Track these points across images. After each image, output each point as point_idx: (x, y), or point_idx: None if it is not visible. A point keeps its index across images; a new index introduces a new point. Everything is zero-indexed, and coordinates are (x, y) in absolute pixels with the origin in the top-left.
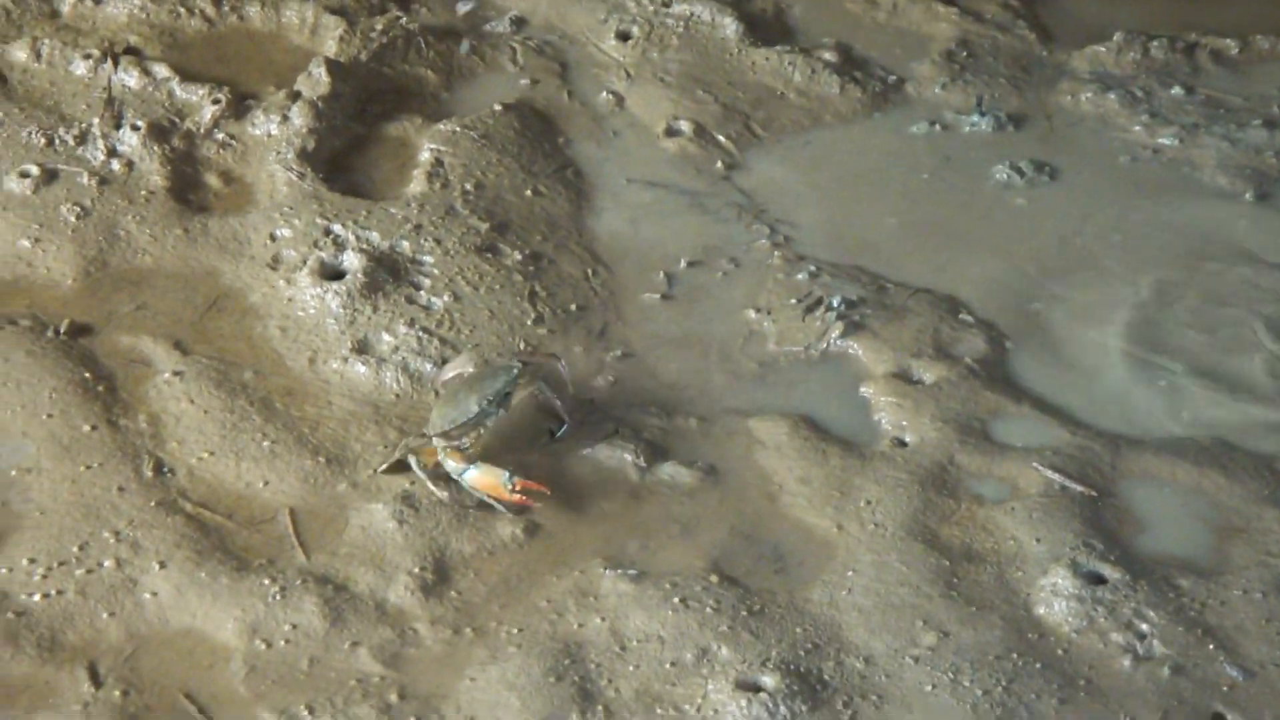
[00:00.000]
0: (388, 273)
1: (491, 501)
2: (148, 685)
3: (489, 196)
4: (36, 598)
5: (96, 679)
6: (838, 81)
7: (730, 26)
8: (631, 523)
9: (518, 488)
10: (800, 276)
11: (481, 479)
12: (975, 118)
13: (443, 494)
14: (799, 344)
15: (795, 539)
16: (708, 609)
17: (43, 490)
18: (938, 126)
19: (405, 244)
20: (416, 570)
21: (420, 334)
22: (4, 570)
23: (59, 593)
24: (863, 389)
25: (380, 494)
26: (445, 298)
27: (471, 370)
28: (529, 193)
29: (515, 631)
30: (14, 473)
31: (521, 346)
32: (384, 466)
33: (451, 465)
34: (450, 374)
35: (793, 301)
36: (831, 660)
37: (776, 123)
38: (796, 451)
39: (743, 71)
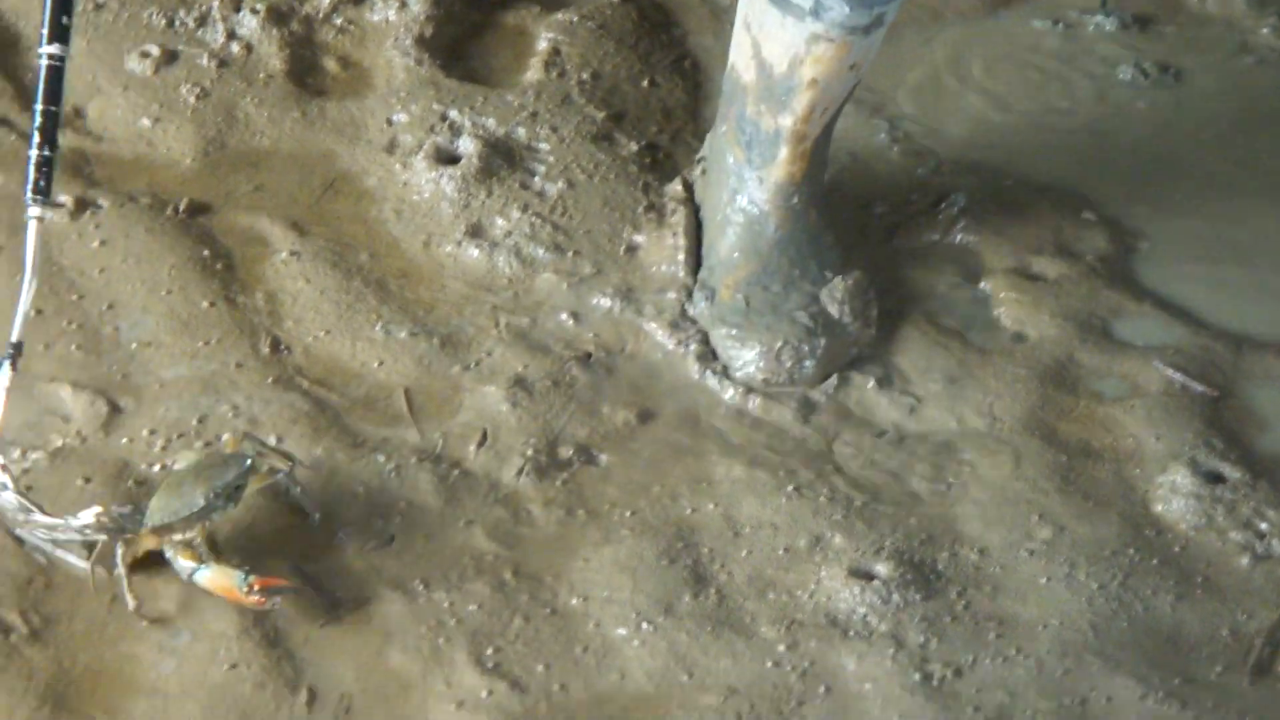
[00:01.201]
0: (503, 159)
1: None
2: (264, 556)
3: (605, 86)
4: (156, 468)
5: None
6: None
7: None
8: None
9: (255, 588)
10: (920, 171)
11: (215, 580)
12: (1100, 17)
13: (131, 601)
14: (921, 239)
15: (914, 431)
16: (821, 498)
17: (162, 364)
18: (1061, 25)
19: (521, 131)
20: (530, 453)
21: (534, 219)
22: (124, 440)
23: (178, 465)
24: (983, 284)
25: (494, 377)
26: (559, 185)
27: (194, 459)
28: (645, 83)
29: (628, 515)
30: (134, 346)
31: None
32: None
33: (181, 564)
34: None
35: (913, 197)
36: (946, 551)
37: (898, 20)
38: (915, 345)
39: None
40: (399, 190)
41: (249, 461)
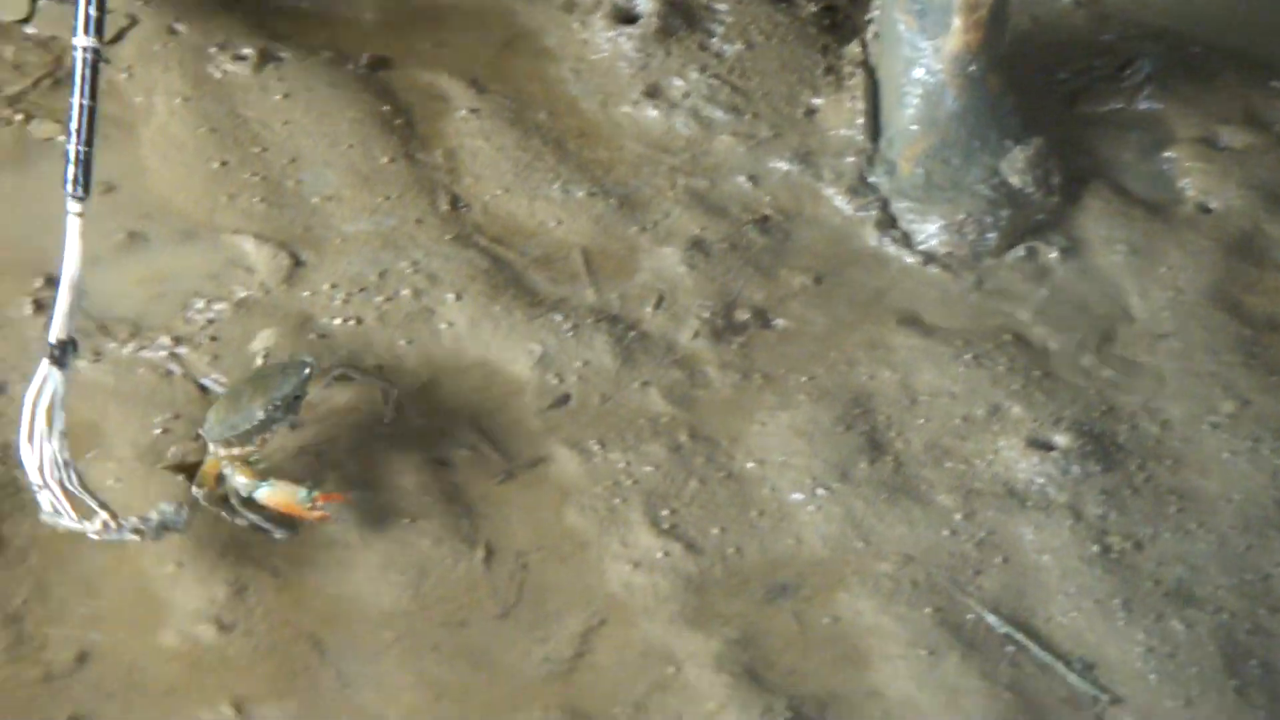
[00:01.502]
0: (681, 18)
1: (267, 526)
2: (442, 412)
3: None
4: (337, 321)
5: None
6: None
7: None
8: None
9: (318, 503)
10: (1105, 36)
11: (276, 496)
12: None
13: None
14: (1104, 106)
15: (1097, 302)
16: (1000, 367)
17: (343, 218)
18: None
19: None
20: (706, 315)
21: (711, 80)
22: (306, 294)
23: (359, 319)
24: (1168, 153)
25: (671, 238)
26: (738, 45)
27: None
28: None
29: (804, 380)
30: (315, 200)
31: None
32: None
33: (241, 481)
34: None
35: (1097, 63)
36: (1126, 424)
37: None
38: (1098, 215)
39: None
40: (577, 49)
41: (307, 371)
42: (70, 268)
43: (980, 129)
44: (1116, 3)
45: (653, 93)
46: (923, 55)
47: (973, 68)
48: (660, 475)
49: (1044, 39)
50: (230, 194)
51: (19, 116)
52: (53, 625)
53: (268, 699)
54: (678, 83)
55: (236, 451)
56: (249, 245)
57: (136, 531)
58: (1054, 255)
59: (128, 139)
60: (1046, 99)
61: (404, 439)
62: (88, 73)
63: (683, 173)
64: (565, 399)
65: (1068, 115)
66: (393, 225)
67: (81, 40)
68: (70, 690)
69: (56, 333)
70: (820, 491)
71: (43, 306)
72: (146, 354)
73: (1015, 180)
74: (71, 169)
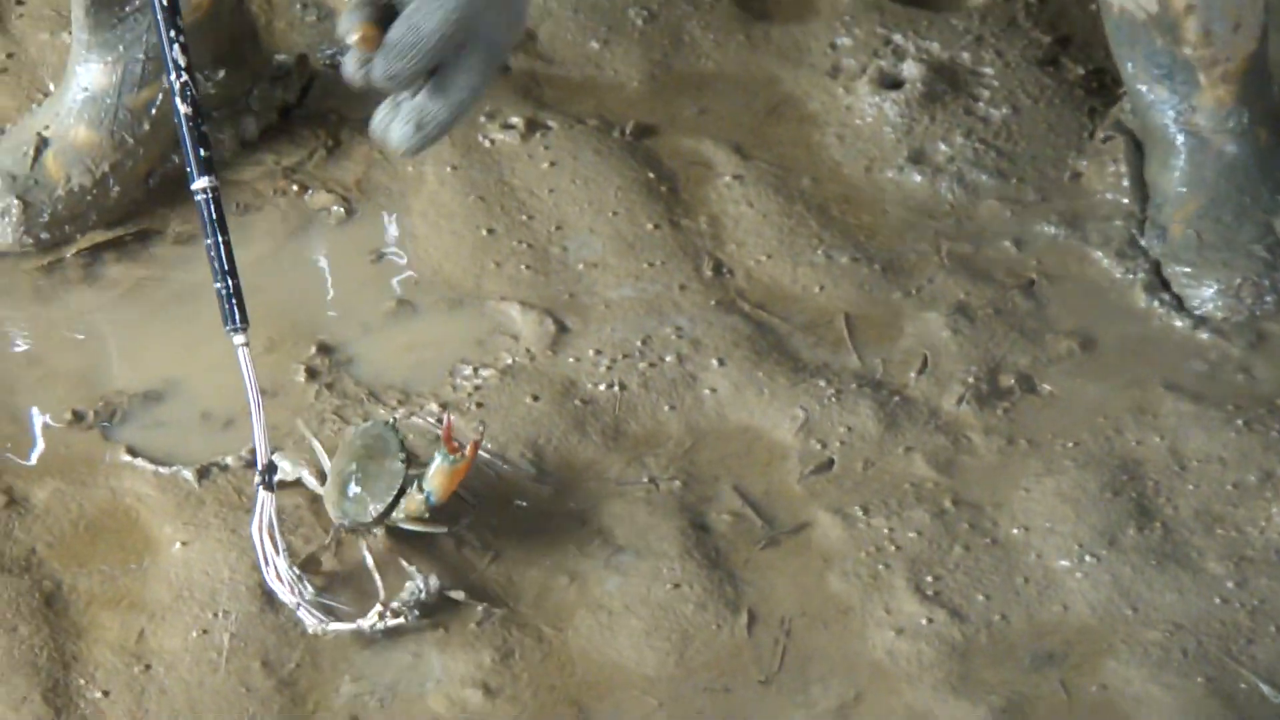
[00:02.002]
0: (946, 83)
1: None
2: (705, 478)
3: (1052, 9)
4: (602, 388)
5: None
6: None
7: None
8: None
9: (457, 455)
10: None
11: (442, 488)
12: None
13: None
14: None
15: None
16: (1273, 433)
17: (607, 284)
18: None
19: (965, 55)
20: (971, 380)
21: (977, 145)
22: (571, 360)
23: (622, 385)
24: None
25: (936, 303)
26: (1004, 110)
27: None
28: (1093, 6)
29: (1070, 446)
30: (580, 267)
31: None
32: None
33: (415, 512)
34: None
35: None
36: None
37: None
38: None
39: None
40: (841, 115)
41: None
42: (253, 396)
43: (1251, 185)
44: None
45: (917, 158)
46: (1180, 116)
47: (1232, 122)
48: (924, 541)
49: None
50: (497, 261)
51: (294, 187)
52: (325, 690)
53: None
54: (943, 147)
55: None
56: (515, 312)
57: (399, 614)
58: None
59: (398, 208)
60: None
61: (666, 504)
62: (214, 211)
63: (947, 237)
64: (829, 464)
65: None
66: (657, 291)
67: (200, 183)
68: None
69: (262, 459)
70: (1087, 558)
71: (315, 373)
72: (416, 420)
73: None
74: (225, 306)
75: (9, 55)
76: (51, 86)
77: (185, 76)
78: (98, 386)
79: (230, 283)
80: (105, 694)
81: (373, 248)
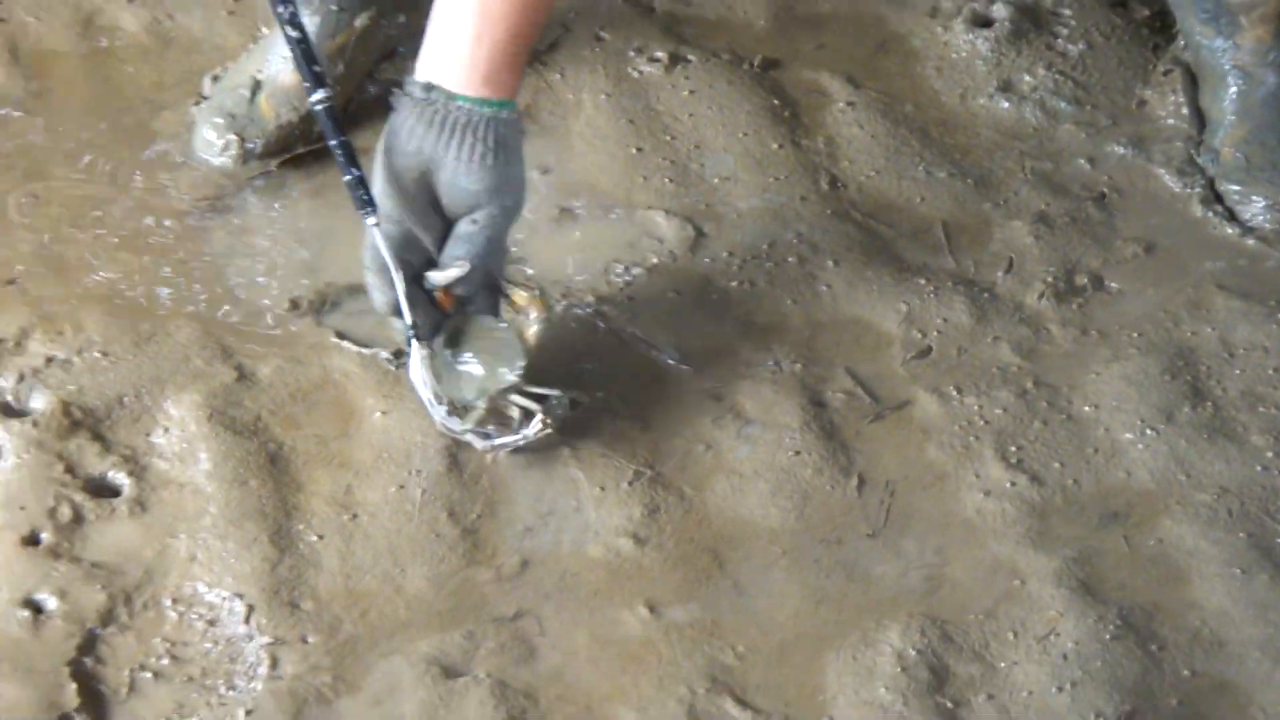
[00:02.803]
0: (1030, 22)
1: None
2: (822, 361)
3: None
4: (734, 284)
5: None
6: None
7: None
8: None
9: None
10: None
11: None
12: None
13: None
14: None
15: None
16: None
17: (738, 196)
18: None
19: None
20: (1050, 279)
21: (1057, 76)
22: (708, 260)
23: (751, 282)
24: None
25: (1020, 213)
26: (1080, 45)
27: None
28: None
29: (1135, 335)
30: (715, 180)
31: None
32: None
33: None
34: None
35: None
36: None
37: None
38: None
39: None
40: (939, 50)
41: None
42: (392, 264)
43: None
44: None
45: (1005, 87)
46: (1225, 53)
47: (1272, 56)
48: (1009, 417)
49: None
50: (644, 175)
51: None
52: (501, 537)
53: (675, 603)
54: (1027, 78)
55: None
56: (660, 219)
57: (551, 423)
58: None
59: (561, 129)
60: None
61: (788, 384)
62: (331, 117)
63: (1030, 156)
64: (928, 351)
65: None
66: (781, 202)
67: (317, 95)
68: (516, 591)
69: (408, 319)
70: (1148, 432)
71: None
72: (577, 311)
73: None
74: (354, 194)
75: (236, 0)
76: (264, 30)
77: (293, 7)
78: (312, 278)
79: (355, 174)
80: (320, 538)
81: (540, 163)
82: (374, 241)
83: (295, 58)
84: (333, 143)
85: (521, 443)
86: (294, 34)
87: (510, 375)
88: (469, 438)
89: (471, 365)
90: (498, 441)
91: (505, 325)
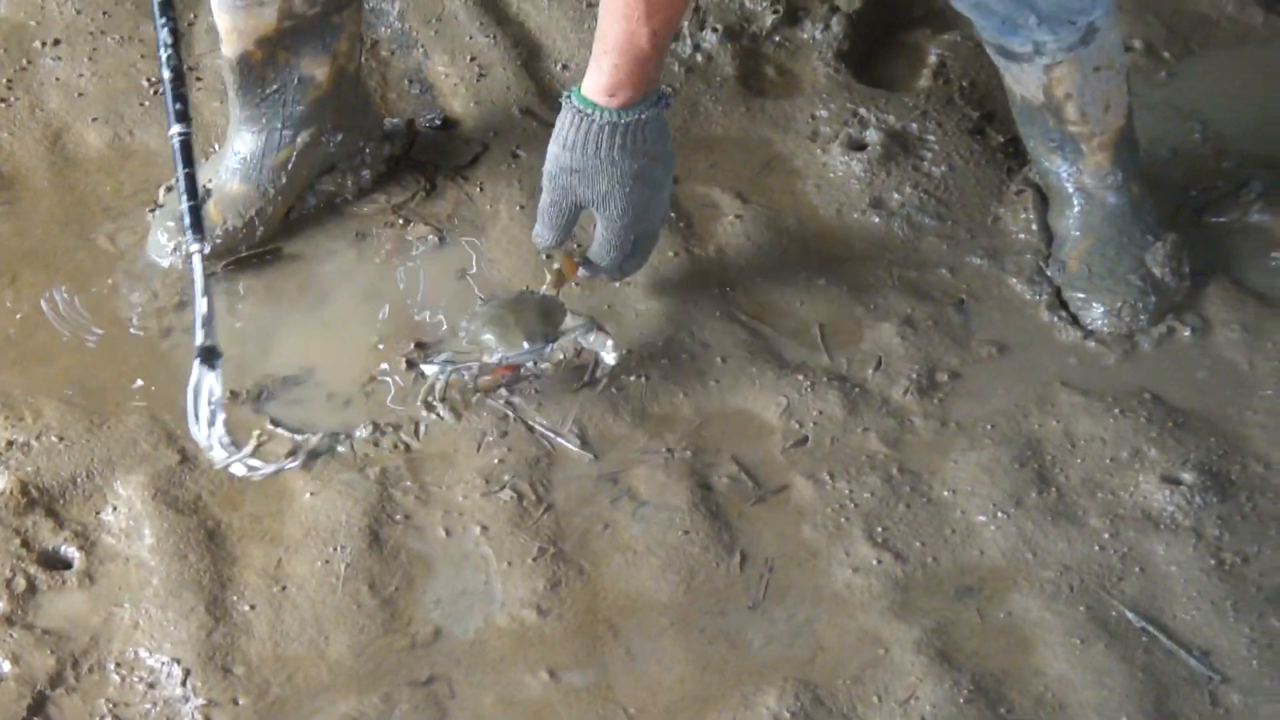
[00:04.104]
0: (900, 146)
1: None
2: (709, 449)
3: (980, 92)
4: (632, 379)
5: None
6: (1261, 13)
7: None
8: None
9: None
10: (1225, 163)
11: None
12: None
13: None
14: (1225, 216)
15: (1216, 369)
16: (1141, 419)
17: (637, 298)
18: None
19: (914, 125)
20: (914, 376)
21: (922, 195)
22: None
23: (647, 376)
24: (1273, 254)
25: (889, 316)
26: (943, 168)
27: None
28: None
29: (989, 428)
30: (618, 285)
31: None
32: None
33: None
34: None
35: (1220, 183)
36: (1238, 464)
37: (1210, 43)
38: (1219, 301)
39: (1184, 2)
40: (819, 170)
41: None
42: (199, 291)
43: (1127, 228)
44: (1235, 137)
45: (876, 203)
46: (1070, 176)
47: (1111, 179)
48: (876, 501)
49: (1180, 165)
50: None
51: (400, 221)
52: (417, 607)
53: (574, 668)
54: (896, 196)
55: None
56: (566, 319)
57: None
58: (1187, 333)
59: (479, 238)
60: (1181, 210)
61: (679, 469)
62: (184, 152)
63: (898, 265)
64: (804, 440)
65: (1197, 223)
66: (675, 304)
67: (175, 129)
68: (429, 657)
69: (199, 341)
70: (1000, 514)
71: (413, 364)
72: (490, 403)
73: (1157, 270)
74: (188, 220)
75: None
76: (216, 146)
77: (170, 50)
78: (249, 371)
79: (191, 205)
80: (252, 608)
81: (459, 267)
82: (195, 271)
83: (164, 93)
84: (180, 173)
85: (272, 471)
86: (168, 74)
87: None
88: (212, 453)
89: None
90: (236, 458)
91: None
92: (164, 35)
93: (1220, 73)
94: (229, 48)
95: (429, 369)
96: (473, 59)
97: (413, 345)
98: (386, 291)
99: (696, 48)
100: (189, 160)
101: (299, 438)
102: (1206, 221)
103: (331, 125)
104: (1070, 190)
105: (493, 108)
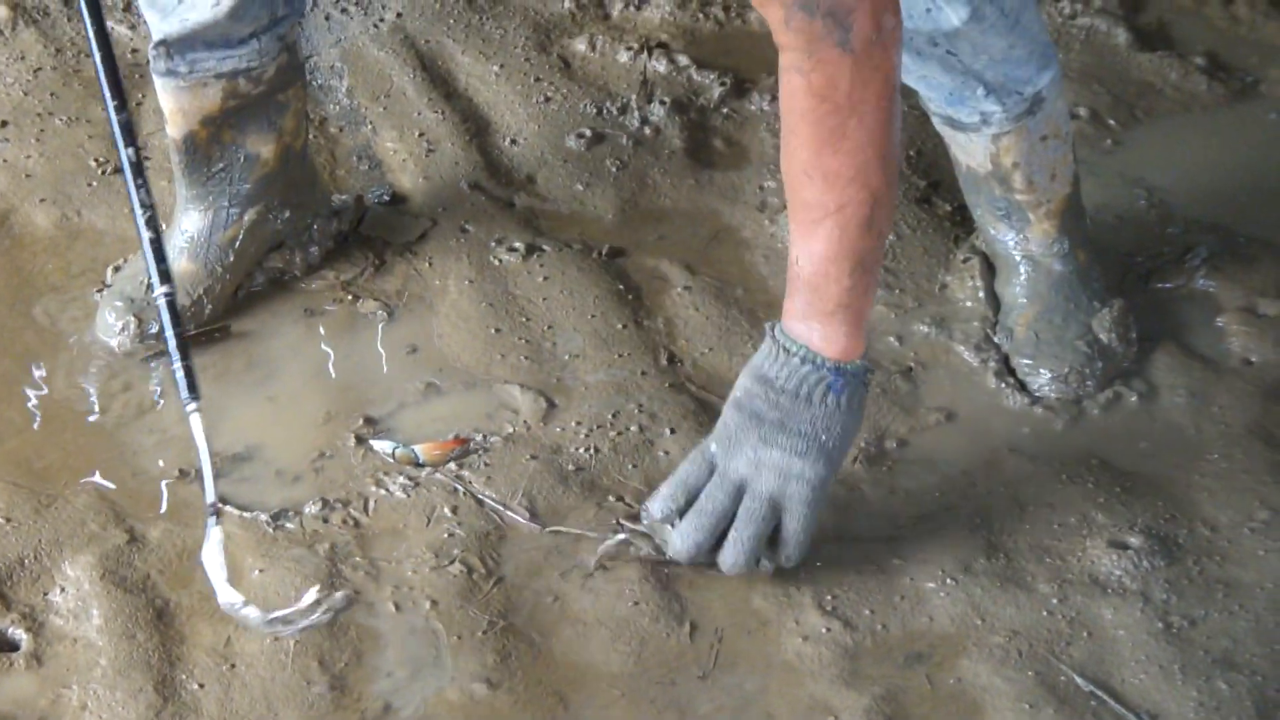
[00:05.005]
0: None
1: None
2: None
3: (926, 160)
4: (582, 451)
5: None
6: (1205, 80)
7: (1121, 36)
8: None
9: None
10: (1171, 230)
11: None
12: None
13: None
14: (1171, 282)
15: (1163, 434)
16: (1089, 484)
17: (587, 371)
18: None
19: None
20: (863, 444)
21: None
22: (558, 429)
23: (597, 448)
24: (1219, 319)
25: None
26: (890, 237)
27: None
28: None
29: (937, 494)
30: (566, 357)
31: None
32: None
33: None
34: None
35: (1165, 249)
36: (1185, 528)
37: (1155, 110)
38: (1166, 366)
39: (1128, 70)
40: (767, 240)
41: None
42: (203, 451)
43: (1074, 295)
44: (1180, 204)
45: None
46: (1017, 245)
47: (1057, 247)
48: (825, 568)
49: (1126, 231)
50: (502, 353)
51: (349, 296)
52: (366, 683)
53: None
54: None
55: None
56: (516, 392)
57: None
58: (1134, 398)
59: (429, 313)
60: (1127, 277)
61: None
62: (171, 311)
63: None
64: None
65: (1143, 289)
66: (624, 376)
67: (160, 289)
68: None
69: (210, 498)
70: (949, 581)
71: (362, 439)
72: (439, 476)
73: (1104, 336)
74: (184, 380)
75: None
76: (163, 226)
77: (150, 211)
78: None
79: (185, 364)
80: (201, 686)
81: (408, 343)
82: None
83: (145, 253)
84: (169, 334)
85: (303, 626)
86: (149, 234)
87: None
88: (258, 624)
89: None
90: (275, 616)
91: None
92: (140, 196)
93: (1165, 140)
94: (174, 128)
95: (378, 445)
96: (421, 134)
97: (362, 420)
98: (335, 367)
99: (644, 120)
100: (176, 319)
101: (322, 595)
102: (1153, 287)
103: (279, 202)
104: (1017, 258)
105: (441, 183)
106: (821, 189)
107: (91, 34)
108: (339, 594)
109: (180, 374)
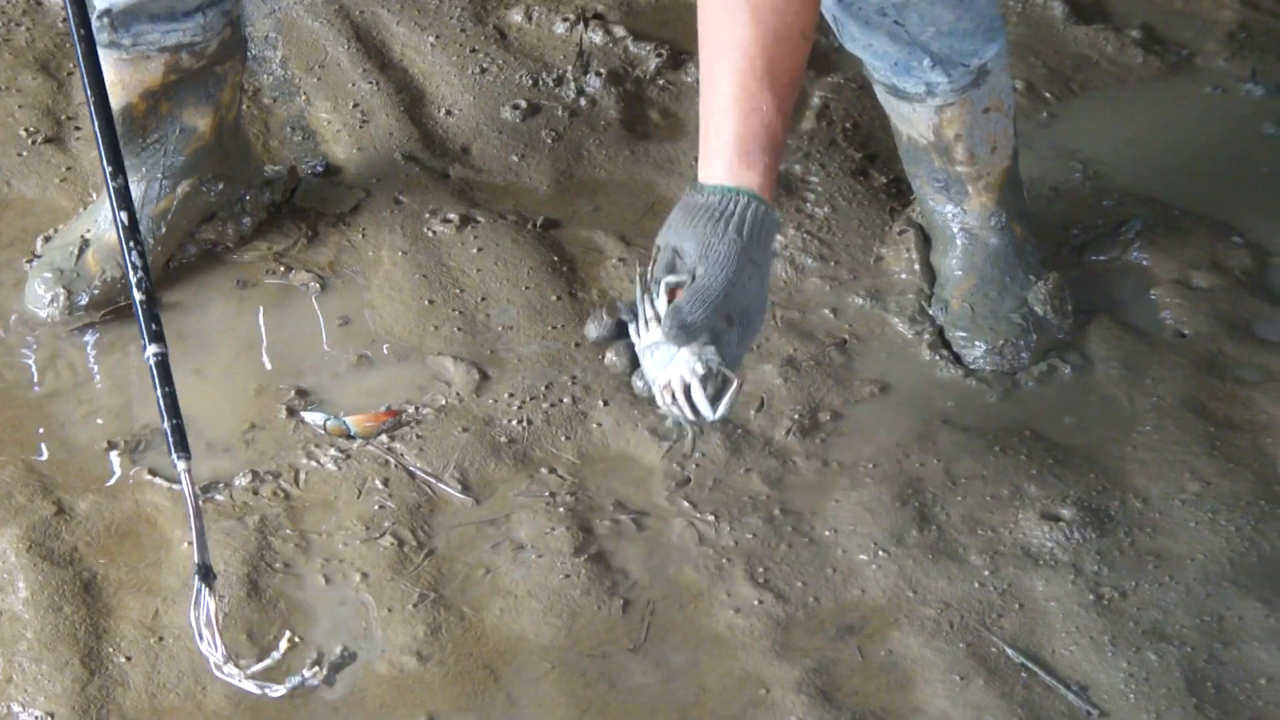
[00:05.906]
0: (782, 187)
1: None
2: (592, 492)
3: (863, 133)
4: (514, 423)
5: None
6: (1141, 54)
7: (1058, 8)
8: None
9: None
10: (1105, 203)
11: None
12: (1250, 85)
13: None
14: (1105, 255)
15: (1096, 406)
16: (1021, 456)
17: (520, 342)
18: (1220, 90)
19: (797, 167)
20: (796, 417)
21: (805, 235)
22: (491, 401)
23: (530, 421)
24: (1152, 292)
25: (771, 356)
26: (825, 209)
27: None
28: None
29: (871, 466)
30: (500, 329)
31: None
32: None
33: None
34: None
35: (1100, 222)
36: (1117, 500)
37: (1091, 84)
38: (1100, 338)
39: (1065, 43)
40: None
41: None
42: (193, 509)
43: (1010, 268)
44: (1115, 177)
45: None
46: (955, 217)
47: (995, 220)
48: (758, 541)
49: (1061, 204)
50: (436, 325)
51: (282, 268)
52: (295, 656)
53: (454, 714)
54: (779, 237)
55: None
56: (449, 364)
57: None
58: (1067, 370)
59: (362, 284)
60: (1062, 249)
61: (561, 513)
62: (163, 371)
63: (780, 306)
64: (686, 482)
65: (1078, 262)
66: (558, 348)
67: (151, 349)
68: (308, 705)
69: (199, 560)
70: (880, 553)
71: (293, 411)
72: (370, 448)
73: (1039, 309)
74: (173, 439)
75: (68, 169)
76: (94, 195)
77: (141, 273)
78: (127, 422)
79: (174, 423)
80: (128, 659)
81: (341, 314)
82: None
83: (137, 314)
84: (159, 393)
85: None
86: (140, 296)
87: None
88: (244, 683)
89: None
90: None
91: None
92: (133, 259)
93: (1101, 113)
94: (112, 100)
95: (310, 417)
96: (355, 105)
97: (293, 392)
98: (267, 339)
99: (580, 92)
100: (167, 379)
101: (318, 654)
102: (1087, 260)
103: (212, 174)
104: (954, 230)
105: (375, 154)
106: None
107: (92, 103)
108: (338, 648)
109: (170, 431)
